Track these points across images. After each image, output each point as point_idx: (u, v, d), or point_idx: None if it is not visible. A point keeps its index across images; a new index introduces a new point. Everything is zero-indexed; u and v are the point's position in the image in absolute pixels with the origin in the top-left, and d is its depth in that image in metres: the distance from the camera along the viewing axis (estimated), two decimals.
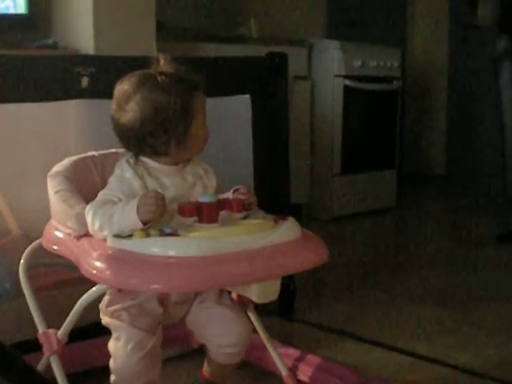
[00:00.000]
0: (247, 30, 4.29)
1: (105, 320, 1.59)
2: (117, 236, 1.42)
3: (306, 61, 4.24)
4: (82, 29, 3.02)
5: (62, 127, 2.08)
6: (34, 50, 2.86)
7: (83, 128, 2.09)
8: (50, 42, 2.99)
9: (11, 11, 3.02)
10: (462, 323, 2.55)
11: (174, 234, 1.40)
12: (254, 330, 1.81)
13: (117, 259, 1.38)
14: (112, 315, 1.57)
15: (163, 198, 1.42)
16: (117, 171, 1.55)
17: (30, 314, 1.71)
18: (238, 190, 1.55)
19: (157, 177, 1.54)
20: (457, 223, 4.42)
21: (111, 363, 1.57)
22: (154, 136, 1.50)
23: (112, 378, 1.58)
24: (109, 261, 1.38)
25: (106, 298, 1.58)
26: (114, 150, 1.73)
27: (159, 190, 1.47)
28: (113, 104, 1.55)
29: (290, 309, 2.56)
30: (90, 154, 1.73)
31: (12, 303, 1.99)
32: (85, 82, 2.00)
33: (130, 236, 1.41)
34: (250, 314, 1.79)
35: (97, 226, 1.45)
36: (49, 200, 1.62)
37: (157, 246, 1.36)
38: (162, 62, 1.55)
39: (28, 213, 2.02)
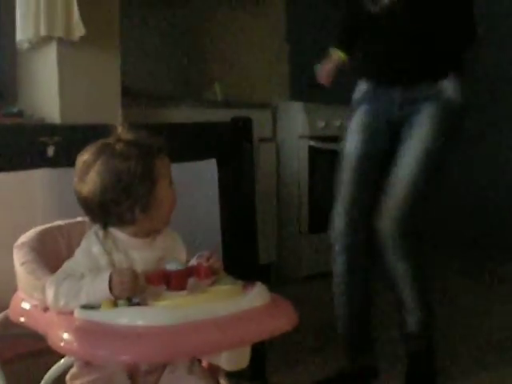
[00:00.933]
0: (212, 93, 4.35)
1: None
2: (84, 307, 1.41)
3: (271, 123, 4.29)
4: (48, 96, 3.03)
5: (29, 196, 2.07)
6: (0, 118, 2.86)
7: (50, 197, 2.08)
8: (16, 110, 2.99)
9: None
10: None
11: (141, 303, 1.40)
12: None
13: (84, 330, 1.37)
14: None
15: (137, 277, 1.41)
16: (83, 244, 1.54)
17: None
18: (201, 255, 1.55)
19: (125, 251, 1.52)
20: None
21: None
22: (117, 203, 1.49)
23: None
24: (76, 332, 1.37)
25: (73, 371, 1.55)
26: (80, 219, 1.73)
27: (126, 265, 1.46)
28: (74, 176, 1.54)
29: (261, 372, 2.54)
30: (56, 223, 1.73)
31: None
32: (50, 151, 2.01)
33: (97, 307, 1.40)
34: (222, 382, 1.78)
35: (62, 303, 1.43)
36: (15, 271, 1.62)
37: (125, 317, 1.35)
38: (120, 130, 1.55)
39: None
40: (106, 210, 1.51)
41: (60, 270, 1.49)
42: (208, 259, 1.54)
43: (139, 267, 1.49)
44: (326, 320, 3.35)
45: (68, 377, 1.56)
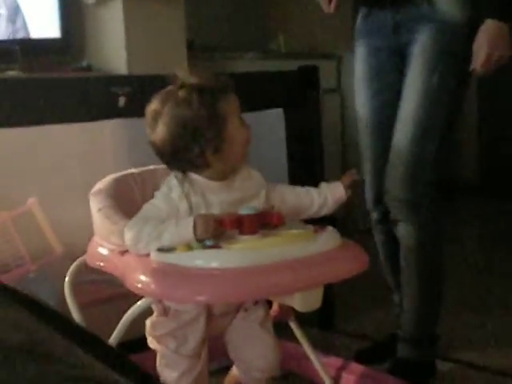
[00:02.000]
0: (276, 45, 4.33)
1: (152, 344, 1.61)
2: (160, 250, 1.45)
3: (335, 74, 4.26)
4: (115, 50, 3.07)
5: (101, 146, 2.12)
6: (70, 72, 2.91)
7: (121, 146, 2.13)
8: (84, 64, 3.05)
9: (46, 35, 3.08)
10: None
11: (216, 246, 1.43)
12: (296, 341, 1.82)
13: (161, 272, 1.41)
14: (159, 341, 1.59)
15: (221, 222, 1.43)
16: (164, 188, 1.55)
17: None
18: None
19: (203, 194, 1.53)
20: (491, 230, 4.40)
21: None
22: (188, 149, 1.50)
23: None
24: (154, 274, 1.41)
25: (152, 320, 1.59)
26: (152, 167, 1.76)
27: (204, 209, 1.49)
28: (146, 127, 1.57)
29: (329, 319, 2.57)
30: (129, 171, 1.76)
31: None
32: (121, 101, 2.04)
33: (173, 250, 1.44)
34: (292, 325, 1.81)
35: (143, 244, 1.46)
36: (91, 217, 1.66)
37: (200, 259, 1.39)
38: (181, 74, 1.55)
39: (70, 231, 2.05)
40: (178, 158, 1.53)
41: (139, 213, 1.52)
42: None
43: (216, 210, 1.51)
44: None
45: (148, 327, 1.61)
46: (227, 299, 1.46)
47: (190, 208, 1.51)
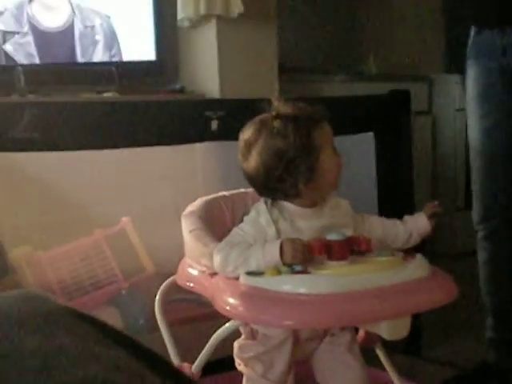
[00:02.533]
0: (366, 67, 4.32)
1: (239, 366, 1.63)
2: (249, 273, 1.46)
3: (427, 96, 4.22)
4: (208, 73, 3.13)
5: (192, 169, 2.16)
6: (164, 94, 2.99)
7: (212, 169, 2.17)
8: (178, 86, 3.12)
9: (141, 58, 3.18)
10: None
11: (304, 271, 1.43)
12: (382, 367, 1.81)
13: (249, 295, 1.43)
14: (246, 364, 1.60)
15: (309, 247, 1.44)
16: (252, 213, 1.57)
17: (163, 348, 1.77)
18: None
19: (292, 220, 1.54)
20: None
21: None
22: (281, 180, 1.51)
23: None
24: (242, 297, 1.43)
25: (240, 343, 1.62)
26: (243, 190, 1.78)
27: (291, 235, 1.49)
28: (238, 154, 1.58)
29: (416, 346, 2.53)
30: (221, 194, 1.79)
31: (145, 338, 2.07)
32: (214, 124, 2.08)
33: (261, 273, 1.45)
34: (379, 352, 1.79)
35: (231, 268, 1.48)
36: (182, 238, 1.69)
37: (288, 284, 1.39)
38: (276, 104, 1.55)
39: (161, 251, 2.10)
40: (270, 187, 1.54)
41: (228, 237, 1.54)
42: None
43: (305, 236, 1.51)
44: (479, 297, 3.30)
45: (235, 349, 1.63)
46: (314, 325, 1.47)
47: (278, 233, 1.52)
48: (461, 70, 4.44)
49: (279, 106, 1.55)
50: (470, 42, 2.31)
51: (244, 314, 1.42)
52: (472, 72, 2.26)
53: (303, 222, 1.55)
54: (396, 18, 4.67)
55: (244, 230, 1.55)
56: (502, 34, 2.14)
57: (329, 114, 1.56)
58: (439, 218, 1.68)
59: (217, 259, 1.50)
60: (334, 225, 1.57)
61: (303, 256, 1.43)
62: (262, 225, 1.53)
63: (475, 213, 2.38)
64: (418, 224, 1.65)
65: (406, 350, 2.49)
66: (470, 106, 2.25)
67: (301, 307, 1.36)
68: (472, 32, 2.28)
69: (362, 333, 1.71)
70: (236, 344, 1.62)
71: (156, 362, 0.73)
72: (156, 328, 1.82)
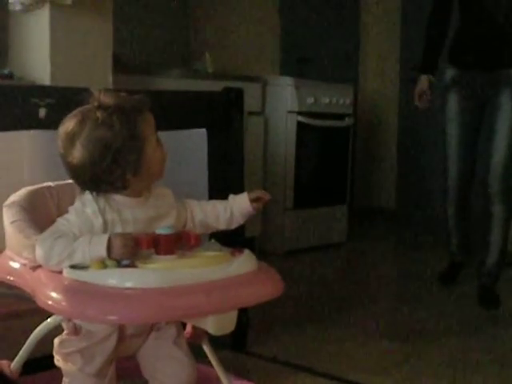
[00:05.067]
0: (202, 64, 4.34)
1: (58, 362, 1.57)
2: (73, 267, 1.42)
3: (260, 97, 4.30)
4: (39, 60, 3.02)
5: (18, 157, 2.07)
6: None
7: (39, 158, 2.08)
8: (6, 71, 2.98)
9: None
10: (410, 356, 2.59)
11: (131, 265, 1.41)
12: (209, 363, 1.81)
13: (73, 290, 1.38)
14: (65, 358, 1.55)
15: (139, 243, 1.42)
16: (77, 204, 1.53)
17: None
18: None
19: (119, 210, 1.52)
20: (404, 259, 4.53)
21: None
22: (108, 172, 1.48)
23: None
24: (65, 291, 1.38)
25: (61, 338, 1.56)
26: (70, 181, 1.73)
27: (119, 226, 1.47)
28: (59, 146, 1.52)
29: (243, 342, 2.57)
30: (46, 184, 1.73)
31: None
32: (42, 112, 2.00)
33: (86, 267, 1.41)
34: (205, 347, 1.80)
35: (55, 261, 1.43)
36: (3, 230, 1.62)
37: (114, 278, 1.37)
38: (97, 94, 1.52)
39: None
40: (96, 180, 1.50)
41: (51, 227, 1.49)
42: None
43: (131, 227, 1.50)
44: (308, 294, 3.41)
45: (56, 345, 1.57)
46: (140, 320, 1.43)
47: (105, 225, 1.49)
48: (293, 73, 4.61)
49: (101, 96, 1.51)
50: (448, 74, 3.33)
51: (66, 308, 1.37)
52: (453, 97, 3.31)
53: (129, 212, 1.53)
54: (233, 18, 4.73)
55: (69, 220, 1.50)
56: (484, 75, 3.23)
57: (151, 103, 1.54)
58: (264, 202, 1.70)
59: (39, 252, 1.45)
60: (159, 216, 1.57)
61: (132, 251, 1.41)
62: (89, 215, 1.50)
63: (449, 195, 3.50)
64: (238, 203, 1.66)
65: (232, 345, 2.52)
66: (451, 122, 3.35)
67: (126, 301, 1.33)
68: (452, 68, 3.32)
69: (189, 328, 1.71)
70: (57, 340, 1.57)
71: None
72: None
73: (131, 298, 1.33)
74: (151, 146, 1.52)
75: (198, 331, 1.68)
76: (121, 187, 1.52)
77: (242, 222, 1.68)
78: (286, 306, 3.08)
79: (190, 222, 1.64)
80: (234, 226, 1.68)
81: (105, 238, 1.41)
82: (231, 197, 1.68)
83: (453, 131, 3.36)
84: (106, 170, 1.48)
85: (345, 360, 2.53)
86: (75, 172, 1.51)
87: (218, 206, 1.67)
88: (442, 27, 3.33)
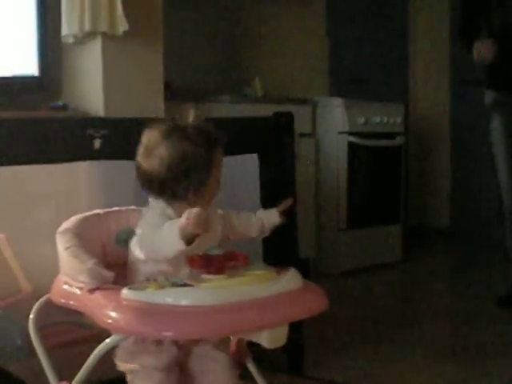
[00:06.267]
0: (252, 89, 4.38)
1: (121, 366, 1.61)
2: (131, 288, 1.48)
3: (311, 118, 4.32)
4: (92, 91, 3.10)
5: (73, 188, 2.12)
6: (45, 111, 2.93)
7: (94, 188, 2.13)
8: (61, 103, 3.06)
9: (23, 73, 3.10)
10: (469, 377, 2.55)
11: (186, 284, 1.46)
12: (254, 382, 1.81)
13: (131, 309, 1.43)
14: (132, 360, 1.58)
15: (201, 213, 1.46)
16: (155, 209, 1.62)
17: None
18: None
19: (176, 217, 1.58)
20: (459, 278, 4.48)
21: None
22: (176, 181, 1.59)
23: None
24: (123, 310, 1.44)
25: (124, 345, 1.59)
26: (117, 208, 1.80)
27: None
28: (140, 148, 1.64)
29: (299, 365, 2.56)
30: (95, 211, 1.80)
31: (23, 360, 2.00)
32: (97, 143, 2.05)
33: (144, 288, 1.46)
34: (250, 366, 1.79)
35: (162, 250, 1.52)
36: (58, 256, 1.67)
37: (170, 296, 1.42)
38: (189, 116, 1.66)
39: (38, 270, 2.04)
40: (164, 184, 1.60)
41: (141, 232, 1.60)
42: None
43: None
44: (363, 315, 3.39)
45: (120, 350, 1.60)
46: (194, 336, 1.49)
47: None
48: (343, 94, 4.61)
49: (191, 116, 1.67)
50: (490, 95, 3.47)
51: (124, 326, 1.43)
52: (499, 117, 3.43)
53: None
54: (282, 40, 4.76)
55: (153, 221, 1.59)
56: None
57: (226, 139, 1.68)
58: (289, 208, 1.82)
59: (146, 247, 1.56)
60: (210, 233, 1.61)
61: (197, 220, 1.45)
62: (169, 214, 1.60)
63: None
64: (268, 216, 1.79)
65: (289, 368, 2.52)
66: (498, 143, 3.47)
67: (181, 318, 1.39)
68: (493, 91, 3.46)
69: (233, 346, 1.73)
70: (120, 346, 1.59)
71: None
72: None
73: (186, 315, 1.39)
74: (216, 177, 1.65)
75: (241, 349, 1.71)
76: (181, 198, 1.61)
77: (267, 233, 1.81)
78: (341, 327, 3.07)
79: (230, 232, 1.76)
80: (263, 235, 1.81)
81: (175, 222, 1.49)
82: (261, 210, 1.82)
83: (501, 155, 3.42)
84: (175, 179, 1.60)
85: (401, 382, 2.50)
86: (145, 173, 1.63)
87: (252, 215, 1.80)
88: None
